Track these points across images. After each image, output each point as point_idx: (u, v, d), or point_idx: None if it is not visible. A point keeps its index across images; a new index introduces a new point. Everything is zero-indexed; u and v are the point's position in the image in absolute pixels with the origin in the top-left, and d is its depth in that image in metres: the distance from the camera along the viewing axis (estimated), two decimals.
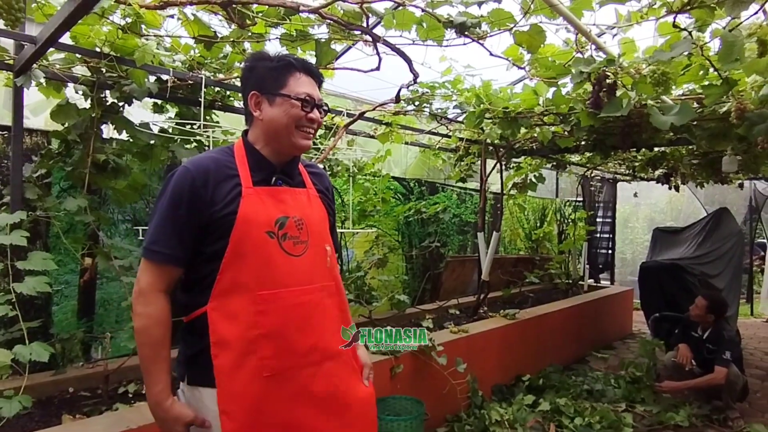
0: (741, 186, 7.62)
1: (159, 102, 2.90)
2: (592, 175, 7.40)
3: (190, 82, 2.62)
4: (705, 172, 5.83)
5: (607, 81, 2.16)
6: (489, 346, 4.31)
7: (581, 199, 7.51)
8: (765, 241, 8.77)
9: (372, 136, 4.20)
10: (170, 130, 2.92)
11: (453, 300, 5.26)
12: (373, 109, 3.52)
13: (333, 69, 2.80)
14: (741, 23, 1.81)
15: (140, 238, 3.03)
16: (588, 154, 5.90)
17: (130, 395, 2.92)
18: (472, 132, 4.32)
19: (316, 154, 3.76)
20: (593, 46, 2.20)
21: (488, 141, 4.26)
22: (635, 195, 8.41)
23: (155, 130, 2.79)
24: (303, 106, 1.48)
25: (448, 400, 3.66)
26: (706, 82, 2.59)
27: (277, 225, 1.47)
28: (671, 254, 5.56)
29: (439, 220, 5.57)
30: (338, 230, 4.96)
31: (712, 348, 4.16)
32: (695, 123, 3.50)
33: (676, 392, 4.30)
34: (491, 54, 2.46)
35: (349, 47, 3.35)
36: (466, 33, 2.13)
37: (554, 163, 6.12)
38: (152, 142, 2.84)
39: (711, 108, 2.99)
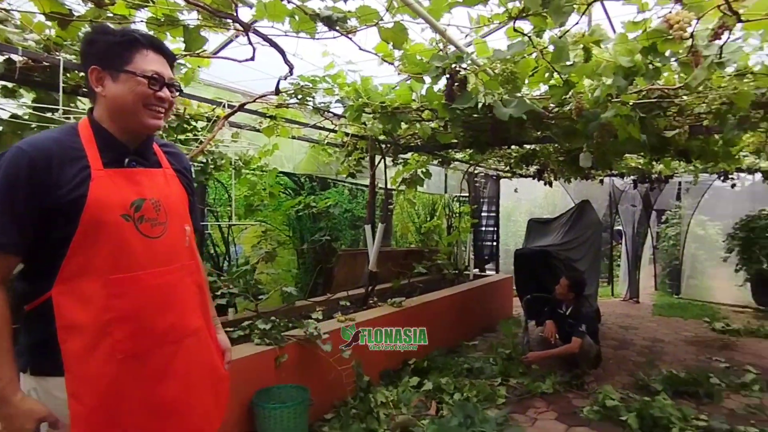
0: (601, 182, 8.56)
1: (9, 86, 2.66)
2: (476, 171, 7.89)
3: (46, 63, 2.45)
4: (570, 169, 6.47)
5: (459, 76, 2.38)
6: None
7: (467, 194, 7.99)
8: (621, 228, 9.88)
9: (257, 130, 4.18)
10: (26, 117, 2.71)
11: (343, 292, 5.37)
12: (254, 101, 3.51)
13: (206, 57, 2.77)
14: (568, 31, 2.09)
15: None
16: (470, 151, 6.30)
17: None
18: (358, 127, 4.45)
19: (195, 145, 3.67)
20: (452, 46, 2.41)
21: (372, 136, 4.41)
22: (516, 191, 9.10)
23: (5, 115, 2.57)
24: (150, 84, 1.45)
25: (335, 387, 3.75)
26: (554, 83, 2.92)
27: (133, 208, 1.45)
28: (542, 242, 6.11)
29: (329, 215, 5.66)
30: (223, 223, 4.90)
31: (572, 322, 4.67)
32: (553, 122, 3.91)
33: (540, 361, 4.76)
34: (360, 48, 2.58)
35: (231, 40, 3.32)
36: (334, 27, 2.23)
37: (440, 160, 6.45)
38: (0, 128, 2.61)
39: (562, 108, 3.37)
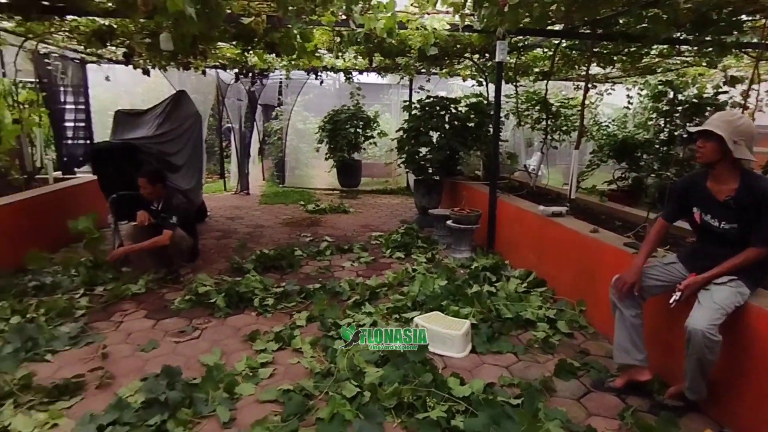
0: (204, 73, 8.26)
1: None
2: (44, 51, 6.38)
3: None
4: (159, 53, 5.88)
5: None
6: None
7: (37, 80, 6.42)
8: (231, 125, 10.03)
9: None
10: None
11: None
12: None
13: None
14: None
15: None
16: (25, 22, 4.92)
17: None
18: None
19: None
20: None
21: None
22: (107, 79, 7.90)
23: None
24: None
25: None
26: None
27: None
28: (133, 135, 5.47)
29: None
30: None
31: (164, 216, 4.42)
32: None
33: (129, 256, 4.43)
34: None
35: None
36: None
37: None
38: None
39: None
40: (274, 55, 5.94)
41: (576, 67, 7.23)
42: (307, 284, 4.37)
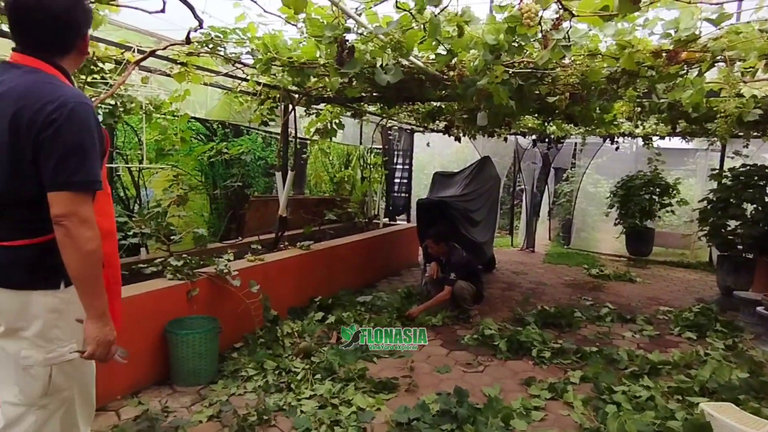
0: (506, 139, 9.22)
1: None
2: (390, 124, 8.26)
3: None
4: (473, 126, 7.00)
5: (347, 44, 2.68)
6: (284, 273, 4.83)
7: (381, 146, 8.37)
8: (524, 186, 10.77)
9: (168, 74, 4.23)
10: None
11: (255, 237, 5.65)
12: (164, 49, 3.59)
13: (117, 6, 2.84)
14: (444, 9, 2.44)
15: None
16: (381, 105, 6.62)
17: None
18: (271, 77, 4.61)
19: (104, 89, 3.71)
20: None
21: (283, 87, 4.60)
22: (428, 145, 9.60)
23: None
24: None
25: (245, 320, 4.09)
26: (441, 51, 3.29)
27: None
28: (445, 193, 6.66)
29: (242, 161, 5.82)
30: (133, 166, 4.95)
31: (443, 276, 5.36)
32: (449, 83, 4.30)
33: (423, 312, 5.30)
34: (265, 11, 2.79)
35: None
36: None
37: (352, 112, 6.72)
38: None
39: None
40: (572, 124, 6.41)
41: None
42: (584, 345, 4.56)
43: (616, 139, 8.83)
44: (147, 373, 3.45)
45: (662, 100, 4.27)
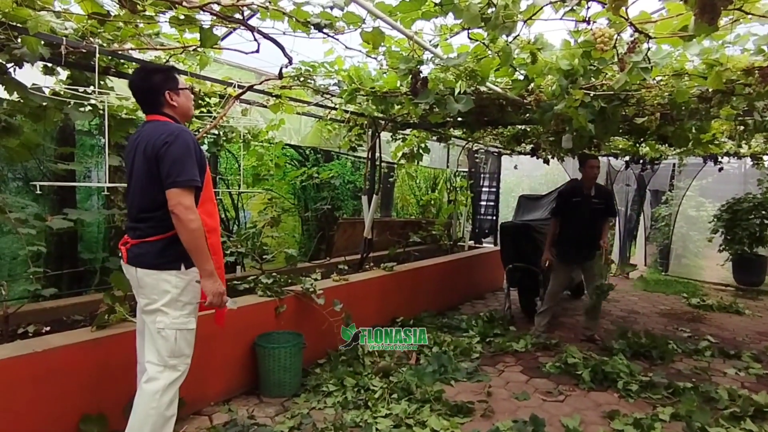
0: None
1: (49, 65, 3.14)
2: (476, 147, 8.29)
3: (83, 50, 2.91)
4: (559, 148, 6.85)
5: (420, 76, 2.81)
6: (368, 293, 5.01)
7: (469, 170, 8.41)
8: (618, 209, 10.23)
9: (265, 106, 4.64)
10: (62, 93, 3.19)
11: (342, 257, 5.91)
12: (260, 83, 3.96)
13: (219, 49, 3.21)
14: (516, 38, 2.50)
15: (38, 192, 3.31)
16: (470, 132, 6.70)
17: (30, 334, 3.21)
18: (357, 106, 4.89)
19: (209, 121, 4.15)
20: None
21: (369, 114, 4.85)
22: (515, 167, 9.48)
23: (47, 92, 3.05)
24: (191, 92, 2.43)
25: (328, 337, 4.29)
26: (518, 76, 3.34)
27: None
28: (530, 217, 6.55)
29: (332, 185, 6.15)
30: (233, 190, 5.42)
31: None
32: (530, 108, 4.31)
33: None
34: (347, 47, 3.02)
35: (235, 29, 3.75)
36: (322, 30, 2.67)
37: (438, 136, 6.86)
38: (44, 103, 3.10)
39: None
40: (666, 144, 6.07)
41: None
42: (677, 380, 4.24)
43: (719, 159, 8.19)
44: (238, 382, 3.74)
45: (766, 118, 3.96)
